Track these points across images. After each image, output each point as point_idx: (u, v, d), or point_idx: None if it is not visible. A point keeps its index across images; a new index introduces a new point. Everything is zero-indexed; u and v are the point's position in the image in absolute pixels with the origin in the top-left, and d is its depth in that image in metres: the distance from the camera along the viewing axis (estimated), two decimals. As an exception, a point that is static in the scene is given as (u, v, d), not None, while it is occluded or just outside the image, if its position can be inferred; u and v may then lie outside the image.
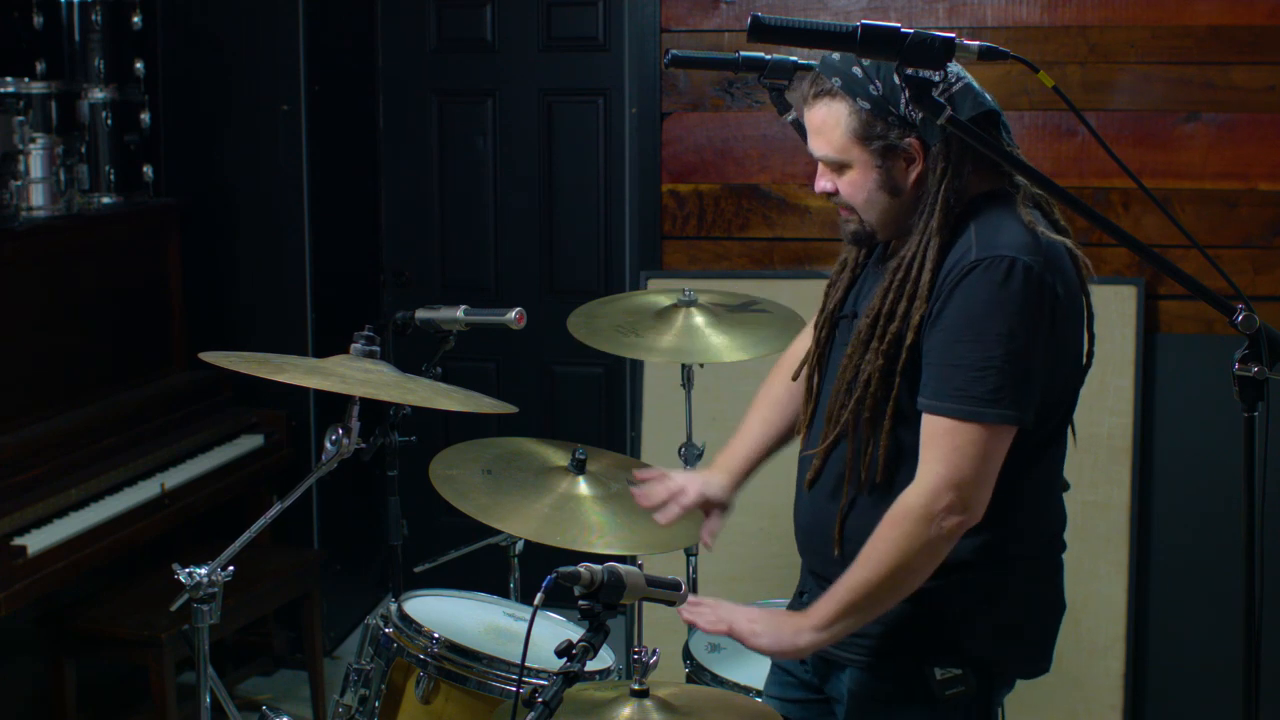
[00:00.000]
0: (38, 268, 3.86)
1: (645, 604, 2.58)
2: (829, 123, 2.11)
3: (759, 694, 2.64)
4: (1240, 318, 1.78)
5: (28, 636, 3.78)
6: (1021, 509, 2.15)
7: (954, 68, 2.05)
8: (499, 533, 2.96)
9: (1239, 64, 3.79)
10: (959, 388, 2.02)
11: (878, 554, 2.05)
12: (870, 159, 2.10)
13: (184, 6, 4.55)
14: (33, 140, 3.86)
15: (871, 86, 2.07)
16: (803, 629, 2.09)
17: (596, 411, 5.09)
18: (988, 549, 2.14)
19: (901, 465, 2.12)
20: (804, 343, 2.43)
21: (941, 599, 2.13)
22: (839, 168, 2.14)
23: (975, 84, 2.10)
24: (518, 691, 2.05)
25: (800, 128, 2.23)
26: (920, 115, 2.05)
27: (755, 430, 2.47)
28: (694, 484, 2.42)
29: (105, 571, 3.92)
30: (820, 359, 2.28)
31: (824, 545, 2.20)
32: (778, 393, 2.46)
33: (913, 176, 2.10)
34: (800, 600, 2.31)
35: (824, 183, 2.17)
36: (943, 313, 2.05)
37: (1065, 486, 2.31)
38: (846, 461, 2.17)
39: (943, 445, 2.04)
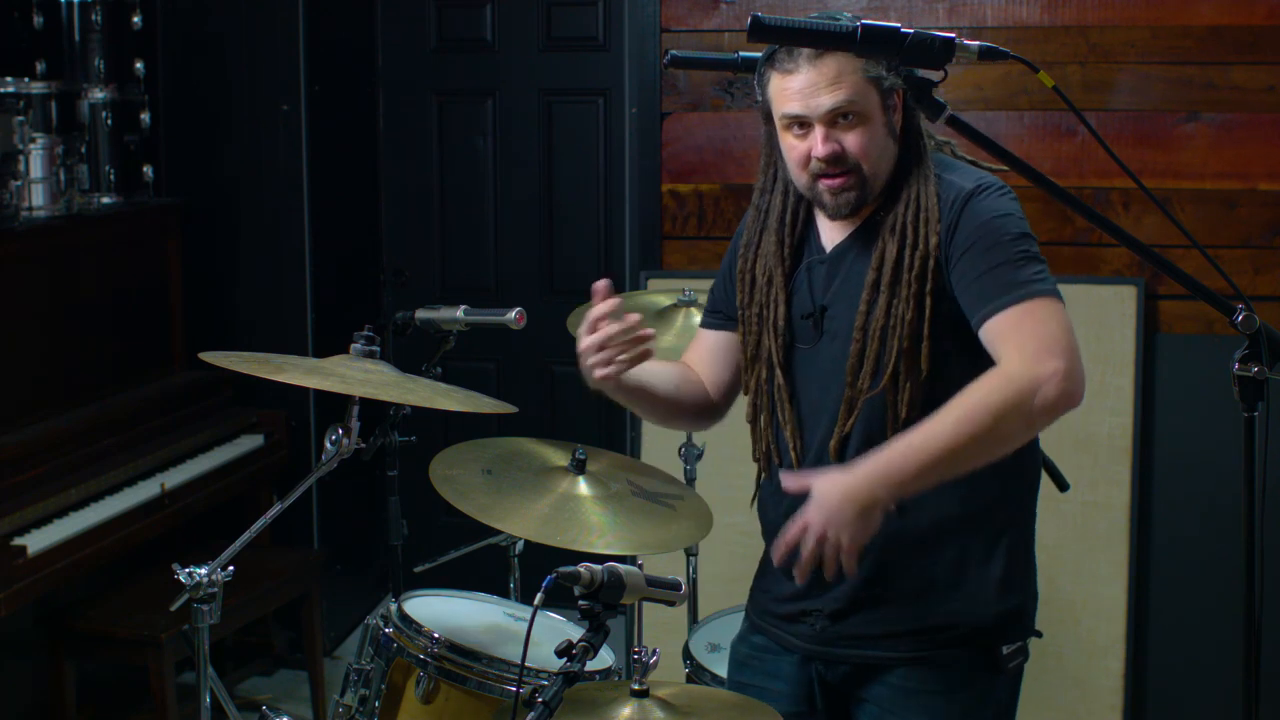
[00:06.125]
0: (38, 268, 3.86)
1: (645, 604, 2.57)
2: (845, 69, 2.08)
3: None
4: (1240, 318, 1.78)
5: (28, 636, 3.78)
6: (1026, 452, 2.17)
7: None
8: (499, 533, 2.95)
9: (1239, 64, 3.79)
10: (1008, 282, 2.04)
11: (967, 415, 1.95)
12: (880, 102, 2.11)
13: (184, 6, 4.55)
14: (33, 140, 3.86)
15: None
16: (876, 495, 1.94)
17: (596, 411, 5.08)
18: (1020, 503, 2.18)
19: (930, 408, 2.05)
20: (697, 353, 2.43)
21: (994, 573, 2.14)
22: (851, 120, 2.10)
23: None
24: (518, 691, 2.04)
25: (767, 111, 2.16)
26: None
27: (666, 368, 2.41)
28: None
29: (105, 571, 3.91)
30: (785, 367, 2.23)
31: None
32: (684, 371, 2.44)
33: (898, 123, 2.15)
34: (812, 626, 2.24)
35: (830, 145, 2.10)
36: (956, 238, 2.08)
37: (1064, 486, 2.31)
38: (887, 409, 2.11)
39: (1023, 329, 2.01)
